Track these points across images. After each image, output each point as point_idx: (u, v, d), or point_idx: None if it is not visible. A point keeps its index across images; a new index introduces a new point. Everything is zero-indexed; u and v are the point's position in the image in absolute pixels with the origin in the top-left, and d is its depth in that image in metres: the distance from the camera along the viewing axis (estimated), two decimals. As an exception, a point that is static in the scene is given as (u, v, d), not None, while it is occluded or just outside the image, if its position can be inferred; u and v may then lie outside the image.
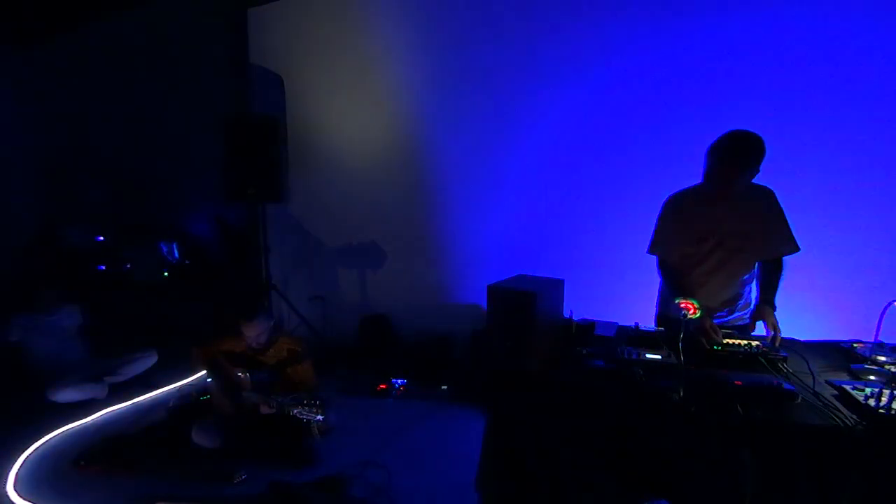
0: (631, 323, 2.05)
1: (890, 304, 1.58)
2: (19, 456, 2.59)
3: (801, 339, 1.94)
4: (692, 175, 2.00)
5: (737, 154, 1.81)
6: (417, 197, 3.85)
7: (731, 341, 1.77)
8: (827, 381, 1.53)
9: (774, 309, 1.87)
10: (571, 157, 3.29)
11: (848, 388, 1.43)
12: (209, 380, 2.76)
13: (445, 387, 3.39)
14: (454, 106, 3.61)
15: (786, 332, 1.81)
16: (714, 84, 2.81)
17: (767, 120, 2.32)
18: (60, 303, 3.50)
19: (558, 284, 1.80)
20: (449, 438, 2.84)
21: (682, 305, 1.59)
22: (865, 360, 1.67)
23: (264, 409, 2.56)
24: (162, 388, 3.46)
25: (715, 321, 1.93)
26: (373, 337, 3.97)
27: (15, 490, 2.35)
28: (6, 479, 2.41)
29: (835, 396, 1.43)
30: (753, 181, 1.88)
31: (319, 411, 2.54)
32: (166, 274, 5.29)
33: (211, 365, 2.72)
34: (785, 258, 1.98)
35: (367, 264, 4.19)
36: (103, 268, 5.23)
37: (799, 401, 1.39)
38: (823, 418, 1.31)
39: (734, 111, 2.71)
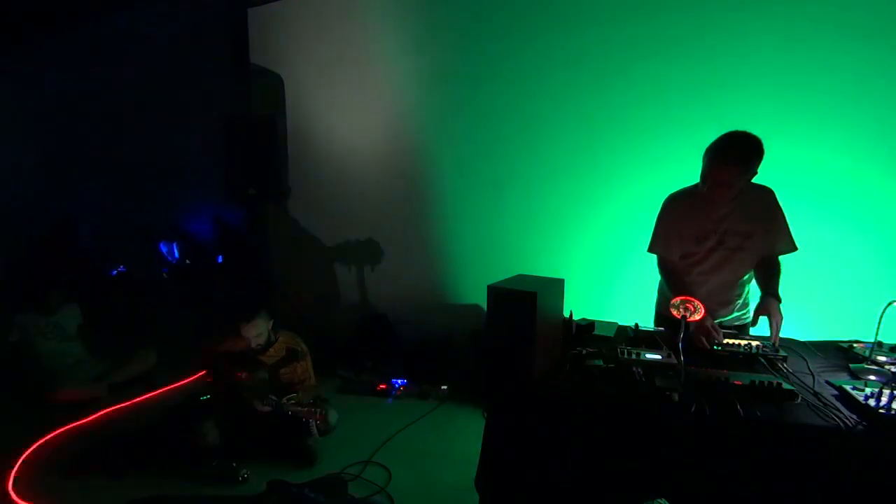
0: (631, 323, 2.06)
1: (890, 303, 1.58)
2: (19, 456, 2.60)
3: (801, 339, 1.94)
4: (692, 175, 2.00)
5: (734, 155, 1.80)
6: (417, 196, 3.85)
7: (731, 341, 1.77)
8: (827, 381, 1.54)
9: (779, 301, 1.86)
10: (571, 157, 3.28)
11: (848, 388, 1.43)
12: (209, 380, 2.76)
13: (445, 387, 3.39)
14: (454, 105, 3.61)
15: (786, 332, 1.81)
16: (714, 83, 2.81)
17: (767, 119, 2.32)
18: (61, 303, 3.50)
19: (558, 284, 1.80)
20: (449, 438, 2.84)
21: (682, 304, 1.59)
22: (865, 360, 1.67)
23: (264, 409, 2.56)
24: (162, 388, 3.47)
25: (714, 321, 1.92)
26: (373, 337, 3.97)
27: (14, 490, 2.35)
28: (6, 479, 2.41)
29: (835, 396, 1.43)
30: (753, 180, 1.88)
31: (319, 411, 2.54)
32: (166, 274, 5.30)
33: (211, 365, 2.72)
34: (782, 257, 1.98)
35: (367, 264, 4.19)
36: (123, 273, 5.26)
37: (799, 401, 1.39)
38: (823, 418, 1.31)
39: (734, 110, 2.71)
